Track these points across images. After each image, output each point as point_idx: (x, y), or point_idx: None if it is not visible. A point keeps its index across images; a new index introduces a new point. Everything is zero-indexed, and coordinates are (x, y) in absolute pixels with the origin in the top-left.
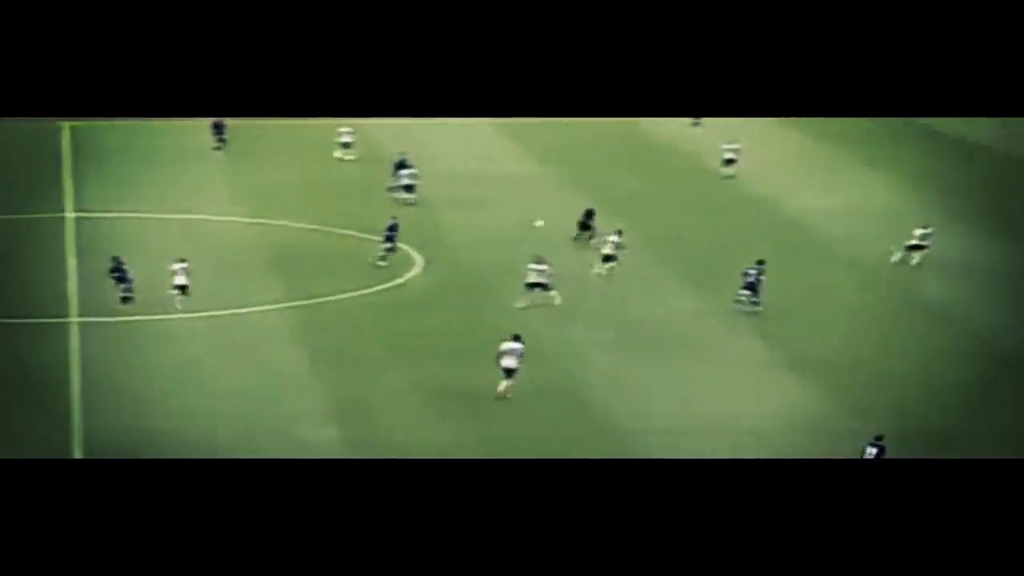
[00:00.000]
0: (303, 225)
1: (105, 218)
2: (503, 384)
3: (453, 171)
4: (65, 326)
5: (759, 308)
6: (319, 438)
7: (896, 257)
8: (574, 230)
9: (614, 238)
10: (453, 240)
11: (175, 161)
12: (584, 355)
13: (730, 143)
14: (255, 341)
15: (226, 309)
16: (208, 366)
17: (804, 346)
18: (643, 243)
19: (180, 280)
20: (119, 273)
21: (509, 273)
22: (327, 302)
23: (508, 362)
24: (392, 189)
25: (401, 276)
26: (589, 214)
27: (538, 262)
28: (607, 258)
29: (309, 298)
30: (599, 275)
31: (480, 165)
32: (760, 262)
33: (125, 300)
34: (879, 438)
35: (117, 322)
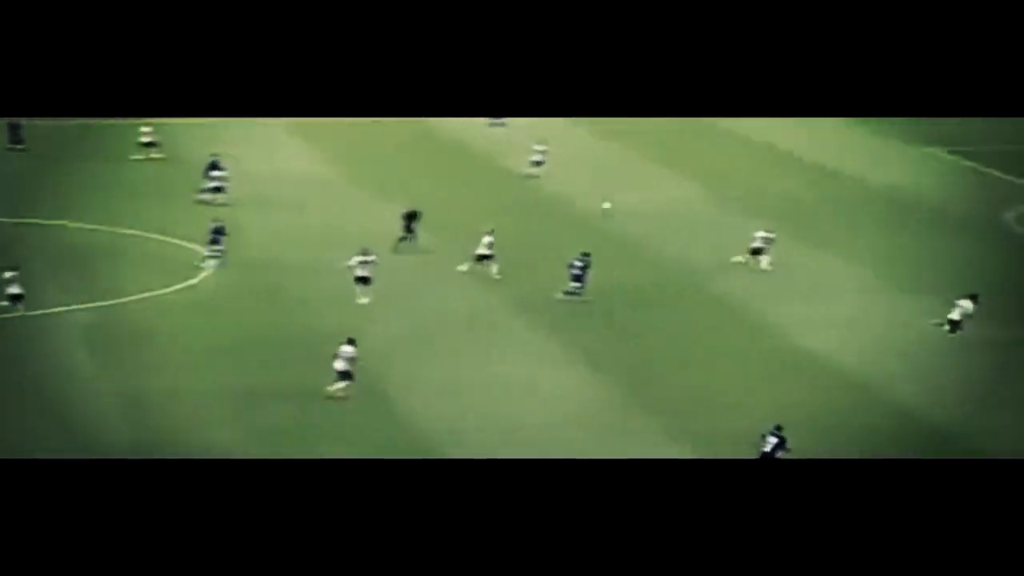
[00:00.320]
0: (96, 226)
1: None
2: (335, 385)
3: (250, 171)
4: None
5: (581, 298)
6: (111, 440)
7: (739, 259)
8: (398, 231)
9: (488, 239)
10: (248, 240)
11: None
12: (386, 353)
13: (539, 144)
14: (46, 343)
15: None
16: None
17: (600, 344)
18: (441, 241)
19: (13, 290)
20: None
21: (304, 273)
22: (121, 303)
23: (338, 364)
24: (202, 191)
25: (195, 277)
26: (411, 216)
27: (364, 254)
28: (482, 257)
29: (102, 299)
30: (463, 272)
31: (275, 165)
32: (586, 254)
33: None
34: (779, 428)
35: None
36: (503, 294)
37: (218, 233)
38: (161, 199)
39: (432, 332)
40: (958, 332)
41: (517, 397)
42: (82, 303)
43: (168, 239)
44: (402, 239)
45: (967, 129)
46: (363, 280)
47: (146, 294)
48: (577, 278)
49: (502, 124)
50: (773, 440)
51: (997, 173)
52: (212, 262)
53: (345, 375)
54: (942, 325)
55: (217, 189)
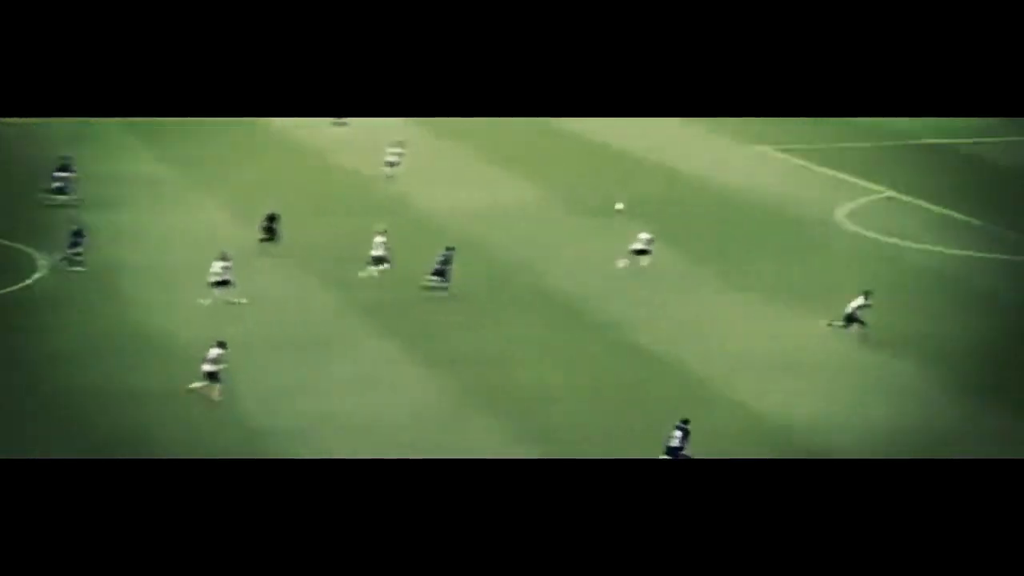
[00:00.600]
0: None
1: None
2: (202, 384)
3: (88, 172)
4: None
5: (445, 291)
6: None
7: (622, 263)
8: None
9: (381, 239)
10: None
11: None
12: (233, 353)
13: (394, 146)
14: None
15: None
16: None
17: (440, 343)
18: (279, 245)
19: None
20: None
21: (140, 272)
22: None
23: (206, 367)
24: (46, 191)
25: (29, 278)
26: (272, 218)
27: (223, 259)
28: (378, 260)
29: None
30: (371, 276)
31: (111, 166)
32: (449, 248)
33: None
34: (685, 421)
35: None
36: (350, 295)
37: (78, 236)
38: None
39: (280, 333)
40: (853, 327)
41: (359, 397)
42: None
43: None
44: (263, 240)
45: (795, 127)
46: (222, 284)
47: None
48: (439, 272)
49: (344, 124)
50: (679, 434)
51: (827, 171)
52: (73, 266)
53: (212, 376)
54: (835, 320)
55: (59, 190)
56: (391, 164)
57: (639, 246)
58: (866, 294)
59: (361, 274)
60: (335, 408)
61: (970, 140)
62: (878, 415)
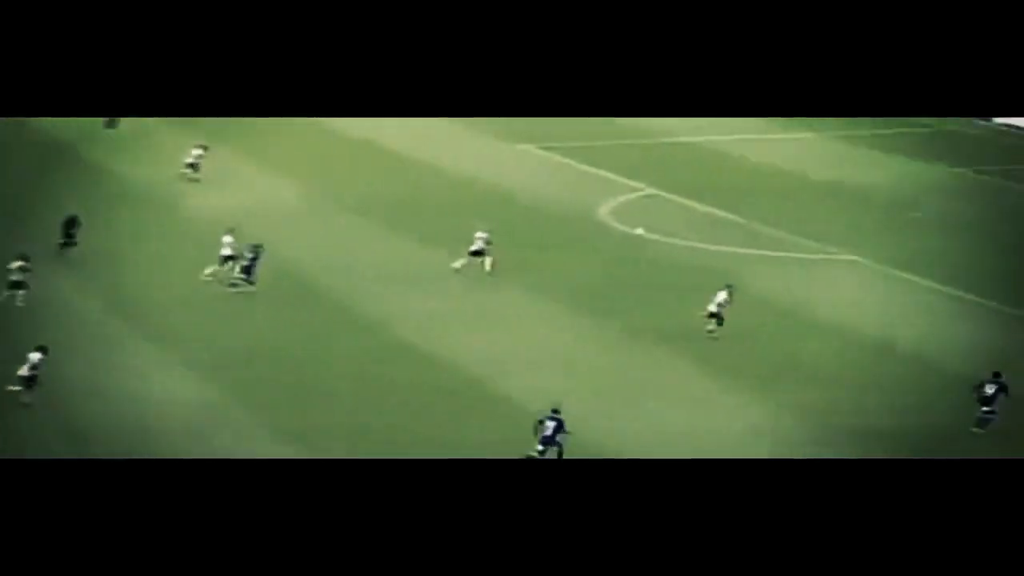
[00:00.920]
0: None
1: None
2: (16, 388)
3: None
4: None
5: (253, 288)
6: None
7: (458, 264)
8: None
9: (229, 238)
10: None
11: None
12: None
13: (198, 148)
14: None
15: None
16: None
17: (203, 346)
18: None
19: None
20: None
21: None
22: None
23: (23, 371)
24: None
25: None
26: (71, 222)
27: (22, 259)
28: (226, 259)
29: None
30: (233, 285)
31: None
32: (257, 246)
33: None
34: (556, 410)
35: None
36: (118, 296)
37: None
38: None
39: (64, 337)
40: (716, 322)
41: (128, 401)
42: None
43: None
44: (62, 245)
45: (557, 126)
46: (17, 285)
47: None
48: (247, 269)
49: (114, 126)
50: (552, 424)
51: (590, 169)
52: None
53: (28, 381)
54: (703, 314)
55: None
56: (191, 165)
57: (477, 246)
58: (728, 289)
59: (206, 272)
60: (102, 409)
61: (727, 137)
62: (649, 412)
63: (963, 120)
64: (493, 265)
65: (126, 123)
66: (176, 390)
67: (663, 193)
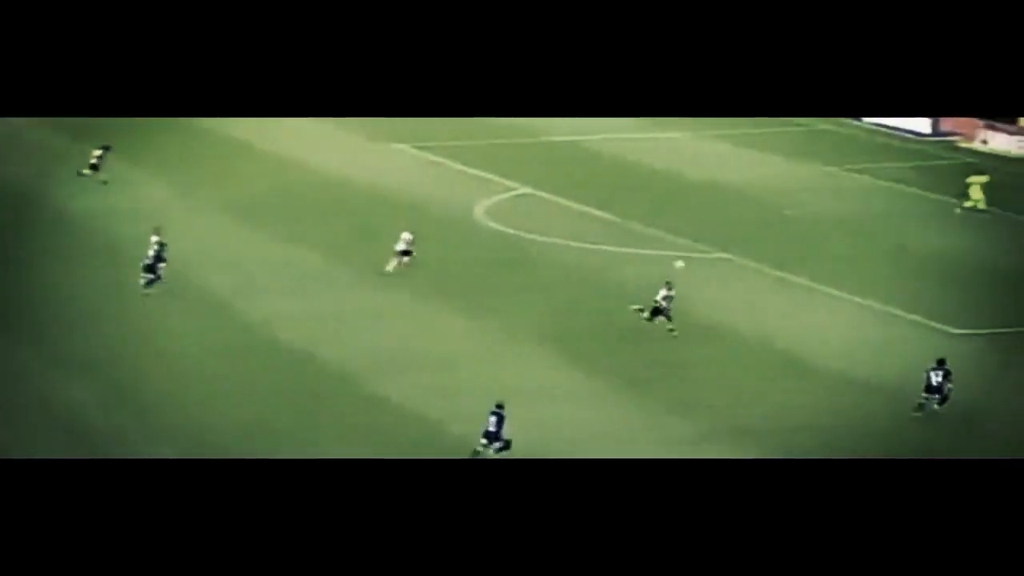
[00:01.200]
0: None
1: None
2: None
3: None
4: None
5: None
6: None
7: (391, 267)
8: None
9: (154, 246)
10: None
11: None
12: None
13: (98, 149)
14: None
15: None
16: None
17: (76, 346)
18: None
19: None
20: None
21: None
22: None
23: None
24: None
25: None
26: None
27: None
28: (149, 267)
29: None
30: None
31: None
32: (162, 243)
33: None
34: (500, 406)
35: None
36: None
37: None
38: None
39: None
40: (657, 319)
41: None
42: None
43: None
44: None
45: (430, 125)
46: None
47: None
48: (149, 268)
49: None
50: (494, 419)
51: (465, 168)
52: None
53: None
54: (641, 311)
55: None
56: (93, 167)
57: (402, 246)
58: (668, 284)
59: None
60: None
61: (602, 136)
62: (529, 412)
63: (835, 120)
64: (402, 265)
65: None
66: (54, 391)
67: (538, 192)
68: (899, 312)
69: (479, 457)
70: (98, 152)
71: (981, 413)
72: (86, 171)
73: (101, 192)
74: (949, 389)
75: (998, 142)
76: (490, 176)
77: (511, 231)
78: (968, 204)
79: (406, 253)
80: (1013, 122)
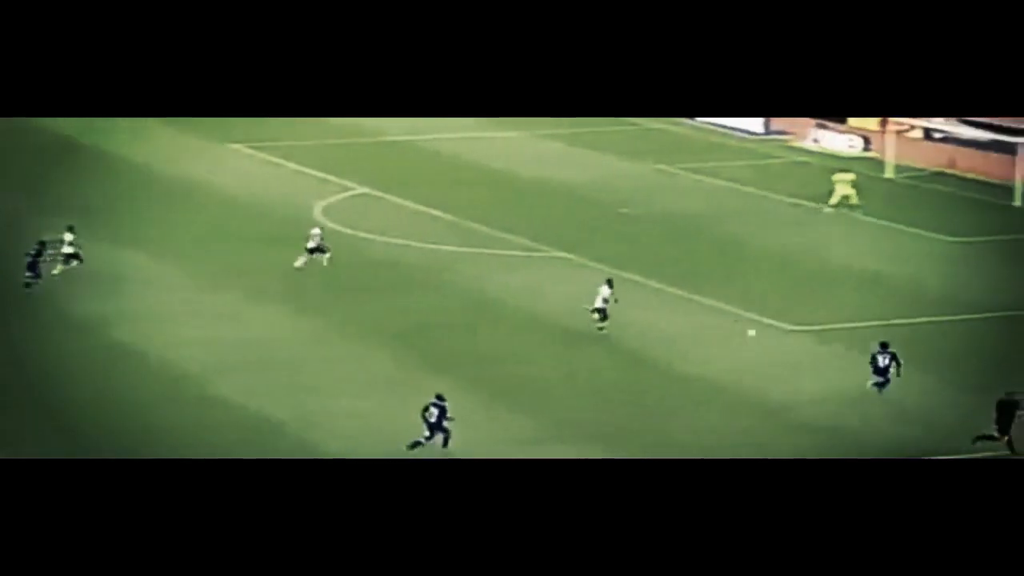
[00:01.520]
0: None
1: None
2: None
3: None
4: None
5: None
6: None
7: (300, 263)
8: None
9: (70, 236)
10: None
11: None
12: None
13: None
14: None
15: None
16: None
17: None
18: None
19: None
20: None
21: None
22: None
23: None
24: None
25: None
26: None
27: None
28: (30, 265)
29: None
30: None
31: None
32: (40, 242)
33: None
34: (440, 398)
35: None
36: None
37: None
38: None
39: None
40: (603, 318)
41: None
42: None
43: None
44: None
45: (267, 126)
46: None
47: None
48: (31, 267)
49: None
50: (436, 410)
51: (302, 168)
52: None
53: None
54: (592, 311)
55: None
56: None
57: (313, 243)
58: (609, 283)
59: (54, 272)
60: None
61: (439, 136)
62: (369, 411)
63: (668, 119)
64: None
65: None
66: None
67: (375, 192)
68: (734, 309)
69: (420, 447)
70: None
71: (812, 409)
72: None
73: None
74: (896, 370)
75: (829, 141)
76: (327, 176)
77: (349, 231)
78: (833, 202)
79: (317, 250)
80: (843, 121)
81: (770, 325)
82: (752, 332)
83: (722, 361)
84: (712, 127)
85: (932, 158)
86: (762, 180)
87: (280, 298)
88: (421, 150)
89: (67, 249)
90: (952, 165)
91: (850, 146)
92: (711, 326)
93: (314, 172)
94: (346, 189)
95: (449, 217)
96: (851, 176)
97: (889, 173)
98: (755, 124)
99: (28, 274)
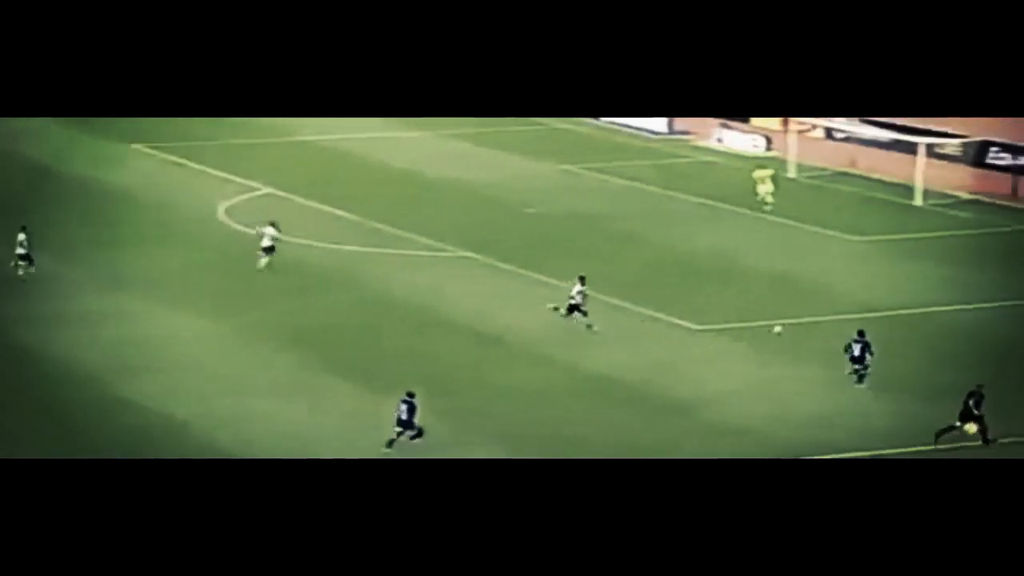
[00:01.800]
0: None
1: None
2: None
3: None
4: None
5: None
6: None
7: (262, 264)
8: None
9: (23, 236)
10: None
11: None
12: None
13: None
14: None
15: None
16: None
17: None
18: None
19: None
20: None
21: None
22: None
23: None
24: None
25: None
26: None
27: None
28: (24, 257)
29: None
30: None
31: None
32: (28, 232)
33: None
34: (410, 395)
35: None
36: None
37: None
38: None
39: None
40: (574, 316)
41: None
42: None
43: None
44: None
45: (167, 125)
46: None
47: None
48: (24, 257)
49: None
50: (404, 407)
51: (205, 168)
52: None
53: None
54: (557, 309)
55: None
56: None
57: (267, 242)
58: (581, 279)
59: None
60: None
61: (346, 136)
62: (275, 413)
63: (573, 119)
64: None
65: None
66: None
67: (280, 192)
68: (639, 308)
69: (393, 446)
70: None
71: (718, 407)
72: None
73: None
74: (870, 359)
75: (732, 141)
76: (231, 177)
77: (254, 232)
78: (759, 199)
79: (271, 249)
80: (746, 121)
81: (677, 325)
82: (778, 328)
83: (628, 360)
84: (617, 127)
85: (834, 158)
86: (667, 179)
87: (185, 299)
88: (326, 150)
89: (20, 250)
90: (854, 165)
91: (754, 146)
92: (618, 326)
93: (217, 172)
94: (250, 190)
95: (353, 217)
96: (770, 172)
97: (792, 173)
98: (659, 124)
99: (23, 263)
